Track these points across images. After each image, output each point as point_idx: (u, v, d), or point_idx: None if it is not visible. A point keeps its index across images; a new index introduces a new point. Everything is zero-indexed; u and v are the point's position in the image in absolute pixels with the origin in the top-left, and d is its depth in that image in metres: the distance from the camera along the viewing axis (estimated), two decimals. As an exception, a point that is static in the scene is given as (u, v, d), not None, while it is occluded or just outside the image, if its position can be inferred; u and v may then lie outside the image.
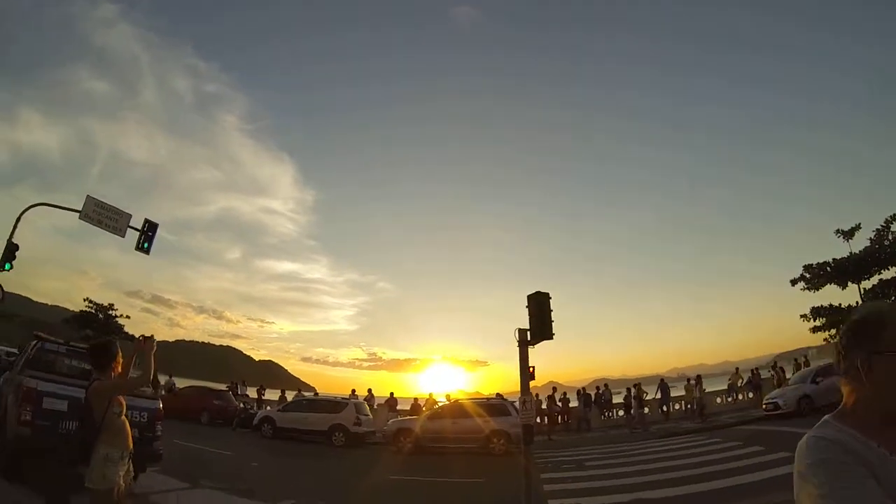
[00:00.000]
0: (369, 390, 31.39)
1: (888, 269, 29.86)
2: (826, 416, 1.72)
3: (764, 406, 22.14)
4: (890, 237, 29.58)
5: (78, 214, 18.43)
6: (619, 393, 30.27)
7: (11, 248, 16.47)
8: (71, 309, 48.17)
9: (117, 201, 20.62)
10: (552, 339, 10.29)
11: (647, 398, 28.80)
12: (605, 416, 29.02)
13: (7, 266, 16.29)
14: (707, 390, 29.23)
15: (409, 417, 23.61)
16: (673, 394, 29.44)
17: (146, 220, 20.13)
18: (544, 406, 28.62)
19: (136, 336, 5.46)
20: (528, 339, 10.29)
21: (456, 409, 20.85)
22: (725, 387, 30.86)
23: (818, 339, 33.87)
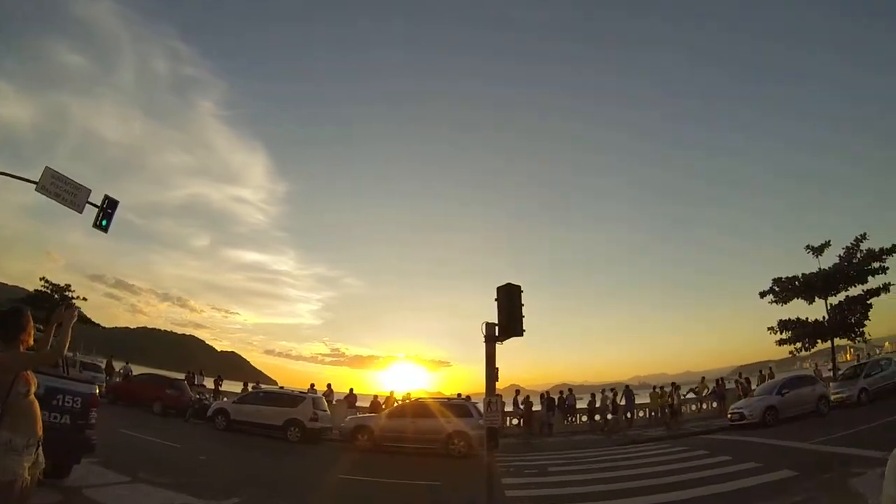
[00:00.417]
0: (328, 385, 30.52)
1: (855, 287, 30.63)
2: None
3: (729, 416, 22.24)
4: (859, 255, 30.38)
5: (35, 186, 17.29)
6: (581, 398, 30.28)
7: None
8: (29, 290, 46.01)
9: (88, 180, 19.42)
10: (522, 335, 9.61)
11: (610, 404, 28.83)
12: (568, 420, 28.84)
13: None
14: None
15: (367, 415, 23.00)
16: (638, 401, 29.60)
17: (106, 197, 19.03)
18: (509, 409, 28.33)
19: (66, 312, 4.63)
20: (496, 334, 9.59)
21: (416, 408, 20.26)
22: (690, 395, 31.05)
23: (781, 352, 34.67)
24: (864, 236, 30.59)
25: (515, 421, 27.72)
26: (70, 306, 4.55)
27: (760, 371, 31.17)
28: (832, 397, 23.11)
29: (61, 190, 17.68)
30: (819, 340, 31.58)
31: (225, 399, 26.76)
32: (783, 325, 32.26)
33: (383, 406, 25.96)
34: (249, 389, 28.64)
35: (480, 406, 23.25)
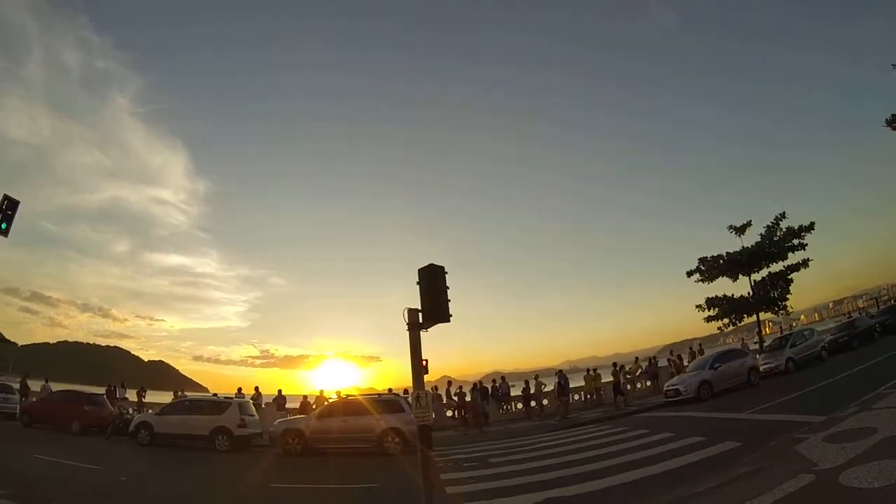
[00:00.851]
0: (256, 388, 28.96)
1: (776, 263, 31.94)
2: None
3: (665, 393, 22.57)
4: (779, 233, 31.68)
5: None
6: (514, 385, 30.30)
7: None
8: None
9: None
10: (449, 321, 8.45)
11: (545, 390, 28.81)
12: (503, 409, 28.52)
13: None
14: (603, 380, 29.52)
15: (296, 417, 21.74)
16: (572, 384, 29.61)
17: (5, 197, 16.69)
18: (444, 400, 27.71)
19: None
20: (420, 321, 8.45)
21: (346, 407, 19.17)
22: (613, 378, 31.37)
23: (708, 329, 35.92)
24: (783, 215, 32.08)
25: (450, 413, 27.20)
26: None
27: (690, 348, 32.09)
28: (761, 368, 23.81)
29: (-47, 189, 15.30)
30: (745, 315, 32.79)
31: (149, 411, 24.80)
32: (710, 302, 33.36)
33: (313, 406, 24.72)
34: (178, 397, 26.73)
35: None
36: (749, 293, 32.60)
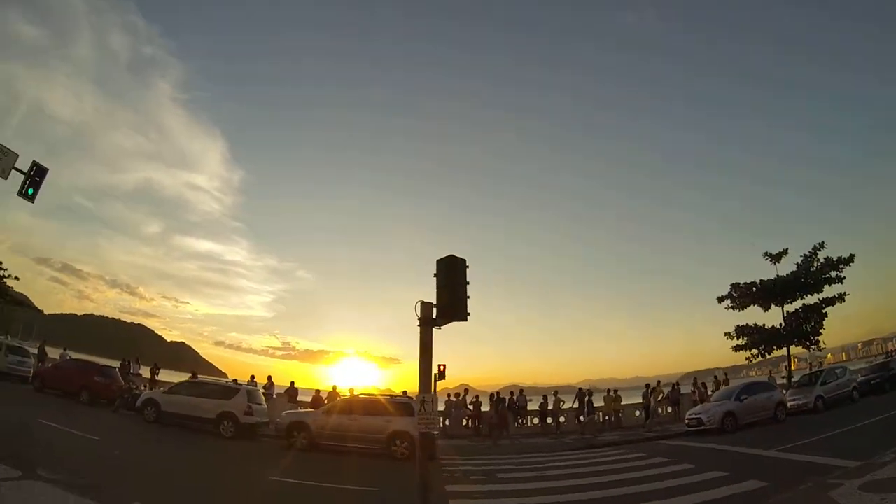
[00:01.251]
0: (269, 377, 28.91)
1: (811, 295, 30.73)
2: None
3: (686, 421, 21.73)
4: (816, 264, 30.52)
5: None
6: (532, 400, 29.57)
7: None
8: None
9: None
10: (466, 319, 7.74)
11: (563, 407, 28.15)
12: (519, 423, 27.90)
13: None
14: (623, 402, 28.77)
15: (304, 410, 21.48)
16: (595, 404, 28.90)
17: (34, 163, 17.15)
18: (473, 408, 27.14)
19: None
20: (434, 316, 7.72)
21: (356, 405, 18.79)
22: (643, 400, 30.60)
23: (730, 359, 34.92)
24: (822, 245, 30.85)
25: (465, 422, 26.70)
26: None
27: (715, 377, 31.04)
28: (789, 404, 22.87)
29: (-18, 151, 15.69)
30: (775, 347, 31.64)
31: (160, 390, 24.89)
32: (740, 330, 32.30)
33: (325, 402, 24.46)
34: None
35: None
36: (781, 324, 31.45)
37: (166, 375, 36.05)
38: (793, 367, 51.12)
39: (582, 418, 25.95)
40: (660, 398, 29.97)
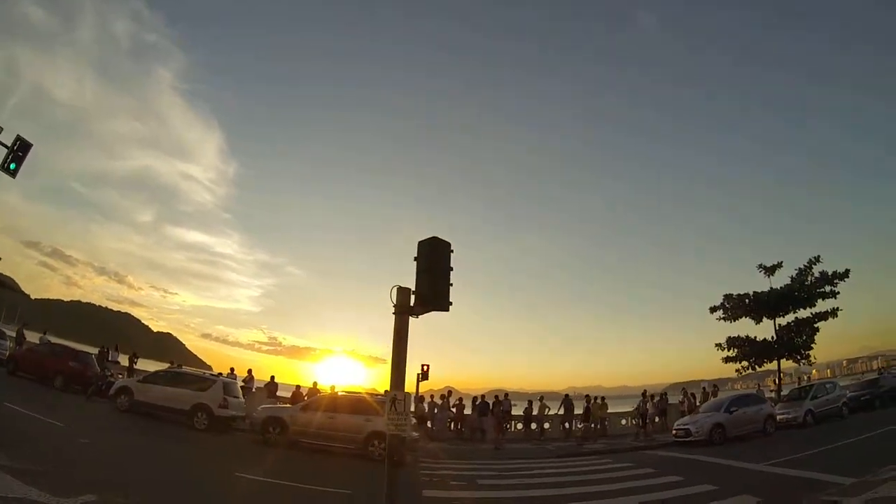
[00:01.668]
0: (249, 371, 28.39)
1: (804, 309, 30.41)
2: None
3: (674, 432, 21.26)
4: (810, 278, 30.18)
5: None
6: (517, 405, 29.25)
7: None
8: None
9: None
10: (448, 310, 6.70)
11: (549, 413, 27.69)
12: (502, 427, 27.32)
13: None
14: (609, 411, 28.32)
15: (281, 406, 20.83)
16: (578, 411, 28.46)
17: (18, 138, 16.85)
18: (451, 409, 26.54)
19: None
20: (411, 303, 6.62)
21: (335, 403, 18.12)
22: (630, 409, 30.22)
23: (720, 371, 34.52)
24: (817, 258, 30.48)
25: (449, 425, 26.21)
26: None
27: (704, 388, 30.54)
28: (778, 418, 22.42)
29: (-39, 121, 15.25)
30: (765, 360, 31.25)
31: (127, 377, 24.18)
32: (731, 342, 31.86)
33: (306, 398, 23.83)
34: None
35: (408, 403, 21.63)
36: (773, 337, 31.08)
37: (151, 366, 35.32)
38: (773, 383, 51.12)
39: (580, 425, 25.80)
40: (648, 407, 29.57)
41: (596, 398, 28.13)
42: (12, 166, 16.86)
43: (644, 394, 28.19)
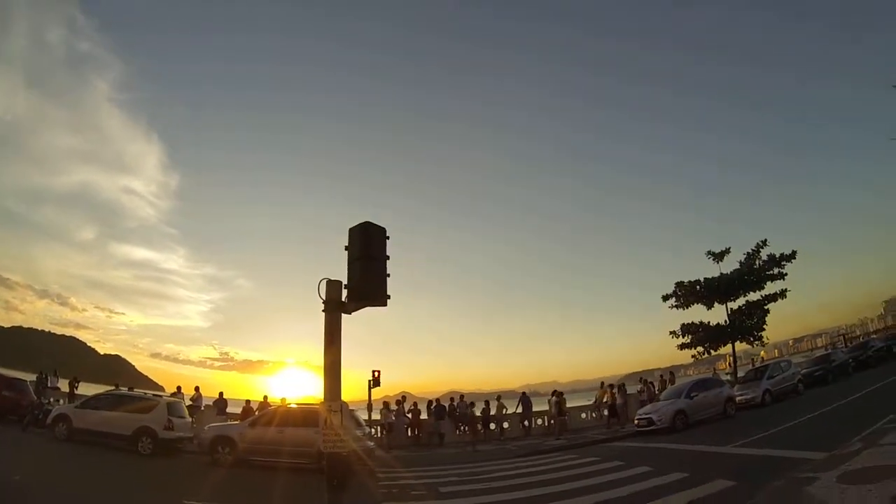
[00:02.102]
0: (196, 388, 26.66)
1: (754, 292, 30.92)
2: None
3: (636, 422, 21.06)
4: (758, 262, 30.73)
5: None
6: (472, 405, 28.51)
7: None
8: None
9: None
10: (385, 304, 5.86)
11: (507, 412, 27.20)
12: (461, 429, 26.66)
13: None
14: (569, 405, 28.04)
15: (229, 423, 19.55)
16: (536, 408, 28.12)
17: None
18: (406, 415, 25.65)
19: None
20: (343, 298, 5.80)
21: (285, 416, 16.99)
22: (589, 402, 30.15)
23: (672, 359, 34.92)
24: (764, 242, 31.13)
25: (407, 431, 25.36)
26: None
27: (661, 376, 30.68)
28: (737, 399, 22.57)
29: None
30: (720, 344, 31.66)
31: (67, 403, 22.33)
32: (686, 328, 32.18)
33: (256, 413, 22.54)
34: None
35: (360, 413, 20.75)
36: (726, 321, 31.51)
37: (94, 390, 33.16)
38: (726, 366, 52.32)
39: (552, 420, 25.36)
40: (605, 399, 29.45)
41: (554, 393, 27.85)
42: None
43: (602, 384, 28.09)
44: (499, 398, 27.52)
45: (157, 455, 16.75)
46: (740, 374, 30.41)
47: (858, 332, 65.83)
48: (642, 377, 31.13)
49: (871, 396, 18.98)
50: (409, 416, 25.75)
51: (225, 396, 26.20)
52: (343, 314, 5.77)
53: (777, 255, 30.43)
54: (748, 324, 30.88)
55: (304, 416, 16.51)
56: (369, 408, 25.63)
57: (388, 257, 5.94)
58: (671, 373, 29.80)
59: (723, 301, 31.78)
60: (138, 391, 21.90)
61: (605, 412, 26.90)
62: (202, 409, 25.33)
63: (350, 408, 18.49)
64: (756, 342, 31.40)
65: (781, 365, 26.33)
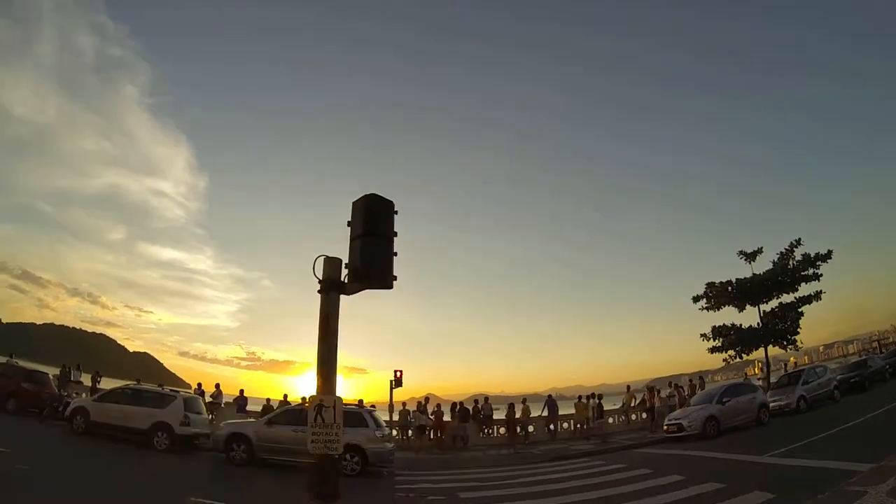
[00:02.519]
0: (217, 385, 26.71)
1: (787, 294, 29.79)
2: None
3: (665, 427, 20.27)
4: (792, 262, 29.60)
5: None
6: (498, 409, 28.12)
7: None
8: None
9: None
10: (391, 286, 5.10)
11: (532, 415, 26.61)
12: (484, 432, 26.13)
13: None
14: (607, 407, 27.37)
15: (244, 421, 19.29)
16: (562, 412, 27.42)
17: None
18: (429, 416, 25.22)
19: None
20: (343, 278, 5.08)
21: (300, 416, 16.64)
22: (616, 406, 29.45)
23: (699, 364, 33.98)
24: (799, 241, 29.88)
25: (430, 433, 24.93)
26: None
27: (690, 380, 29.78)
28: (770, 405, 21.62)
29: None
30: (753, 348, 30.53)
31: (83, 395, 22.39)
32: (717, 331, 31.01)
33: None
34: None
35: (381, 415, 20.31)
36: (759, 324, 30.35)
37: (111, 384, 33.39)
38: (757, 371, 50.72)
39: (591, 424, 24.79)
40: (633, 404, 28.69)
41: (581, 397, 27.15)
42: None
43: (628, 388, 27.41)
44: (524, 401, 26.94)
45: (172, 451, 16.60)
46: (772, 379, 29.35)
47: (892, 339, 63.39)
48: (671, 381, 30.14)
49: (914, 404, 17.98)
50: (433, 417, 25.30)
51: (247, 395, 26.12)
52: (342, 296, 5.03)
53: (812, 255, 29.16)
54: (781, 327, 29.73)
55: (323, 416, 16.18)
56: (391, 408, 25.27)
57: (395, 234, 5.17)
58: (700, 377, 28.90)
59: (755, 303, 30.60)
60: (153, 387, 21.79)
61: (644, 415, 26.29)
62: (222, 406, 25.37)
63: (372, 407, 18.19)
64: (790, 346, 30.15)
65: (817, 370, 25.21)
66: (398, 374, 24.38)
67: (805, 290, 29.52)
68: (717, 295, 31.28)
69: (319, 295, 4.95)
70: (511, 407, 25.96)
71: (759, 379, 32.90)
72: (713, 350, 31.08)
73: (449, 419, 25.66)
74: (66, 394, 23.33)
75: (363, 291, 5.16)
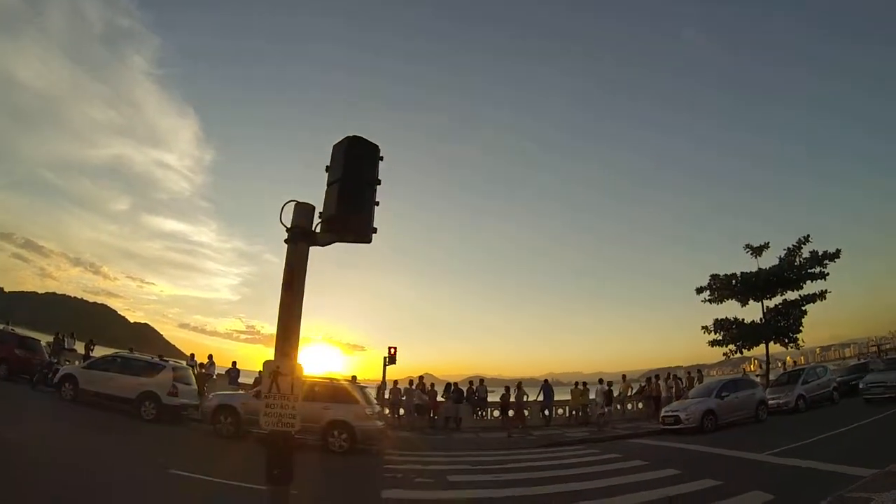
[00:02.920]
0: (209, 356, 26.61)
1: (792, 291, 29.33)
2: None
3: (662, 419, 19.95)
4: (800, 259, 29.09)
5: None
6: (493, 392, 27.96)
7: None
8: None
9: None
10: (370, 240, 4.27)
11: (527, 400, 26.31)
12: (478, 415, 25.84)
13: None
14: (591, 397, 27.04)
15: (233, 393, 19.02)
16: (558, 397, 27.16)
17: None
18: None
19: None
20: (314, 227, 4.17)
21: (290, 389, 16.32)
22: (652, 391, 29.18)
23: (697, 357, 33.71)
24: (807, 238, 29.33)
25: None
26: None
27: (689, 373, 29.42)
28: (769, 403, 21.26)
29: None
30: (753, 344, 30.14)
31: (76, 363, 22.21)
32: (719, 324, 30.63)
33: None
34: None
35: (371, 391, 19.97)
36: (761, 319, 29.92)
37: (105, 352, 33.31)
38: (753, 368, 50.48)
39: (605, 409, 24.19)
40: (630, 393, 28.36)
41: (577, 384, 26.85)
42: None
43: (624, 378, 27.17)
44: (519, 385, 26.63)
45: (159, 421, 16.47)
46: (771, 377, 29.00)
47: (890, 345, 62.91)
48: (670, 373, 29.75)
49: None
50: (426, 397, 25.00)
51: (242, 368, 25.90)
52: (311, 247, 4.18)
53: (820, 253, 28.63)
54: (783, 324, 29.29)
55: (311, 390, 15.79)
56: (382, 386, 24.94)
57: (379, 182, 4.34)
58: (699, 370, 28.52)
59: (759, 298, 30.21)
60: (143, 355, 21.55)
61: (640, 405, 25.98)
62: (214, 377, 25.36)
63: (362, 384, 17.86)
64: (791, 344, 29.73)
65: (817, 370, 24.84)
66: (392, 350, 24.04)
67: (810, 288, 29.12)
68: (720, 287, 30.86)
69: (286, 244, 4.11)
70: (507, 390, 25.68)
71: (757, 376, 32.54)
72: (714, 343, 30.78)
73: (443, 400, 25.37)
74: (56, 361, 23.15)
75: (339, 245, 4.37)
